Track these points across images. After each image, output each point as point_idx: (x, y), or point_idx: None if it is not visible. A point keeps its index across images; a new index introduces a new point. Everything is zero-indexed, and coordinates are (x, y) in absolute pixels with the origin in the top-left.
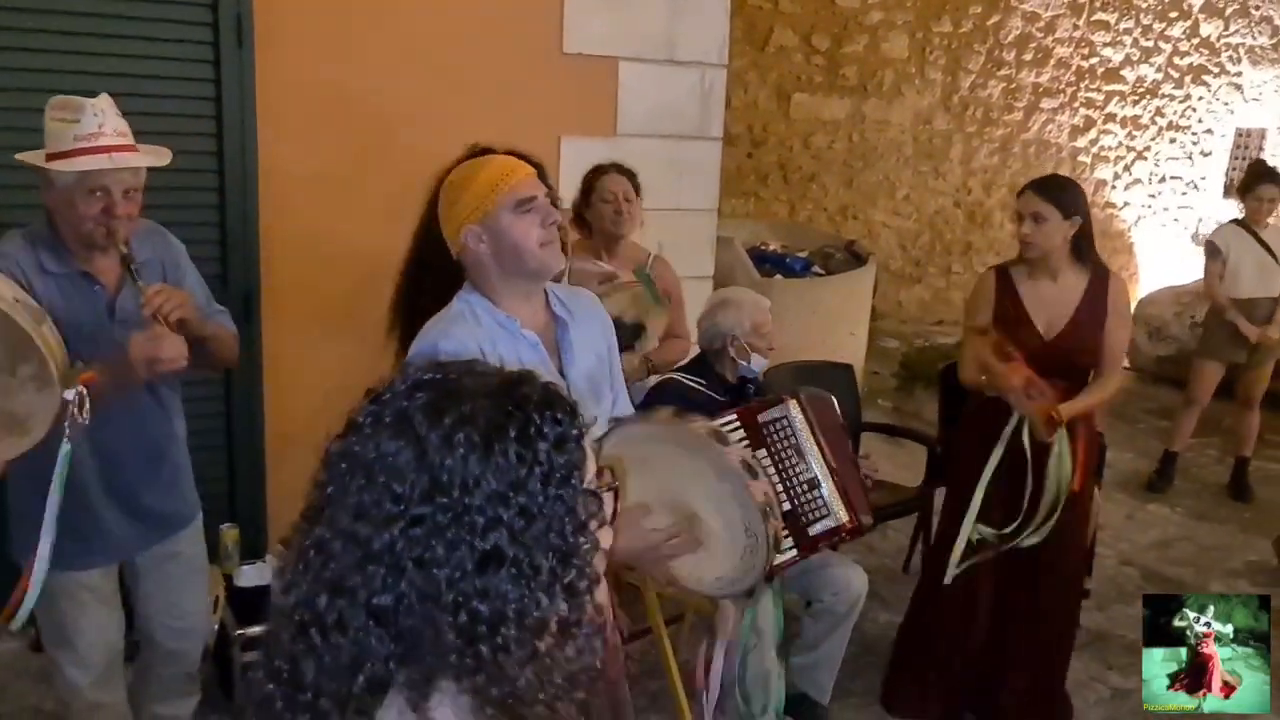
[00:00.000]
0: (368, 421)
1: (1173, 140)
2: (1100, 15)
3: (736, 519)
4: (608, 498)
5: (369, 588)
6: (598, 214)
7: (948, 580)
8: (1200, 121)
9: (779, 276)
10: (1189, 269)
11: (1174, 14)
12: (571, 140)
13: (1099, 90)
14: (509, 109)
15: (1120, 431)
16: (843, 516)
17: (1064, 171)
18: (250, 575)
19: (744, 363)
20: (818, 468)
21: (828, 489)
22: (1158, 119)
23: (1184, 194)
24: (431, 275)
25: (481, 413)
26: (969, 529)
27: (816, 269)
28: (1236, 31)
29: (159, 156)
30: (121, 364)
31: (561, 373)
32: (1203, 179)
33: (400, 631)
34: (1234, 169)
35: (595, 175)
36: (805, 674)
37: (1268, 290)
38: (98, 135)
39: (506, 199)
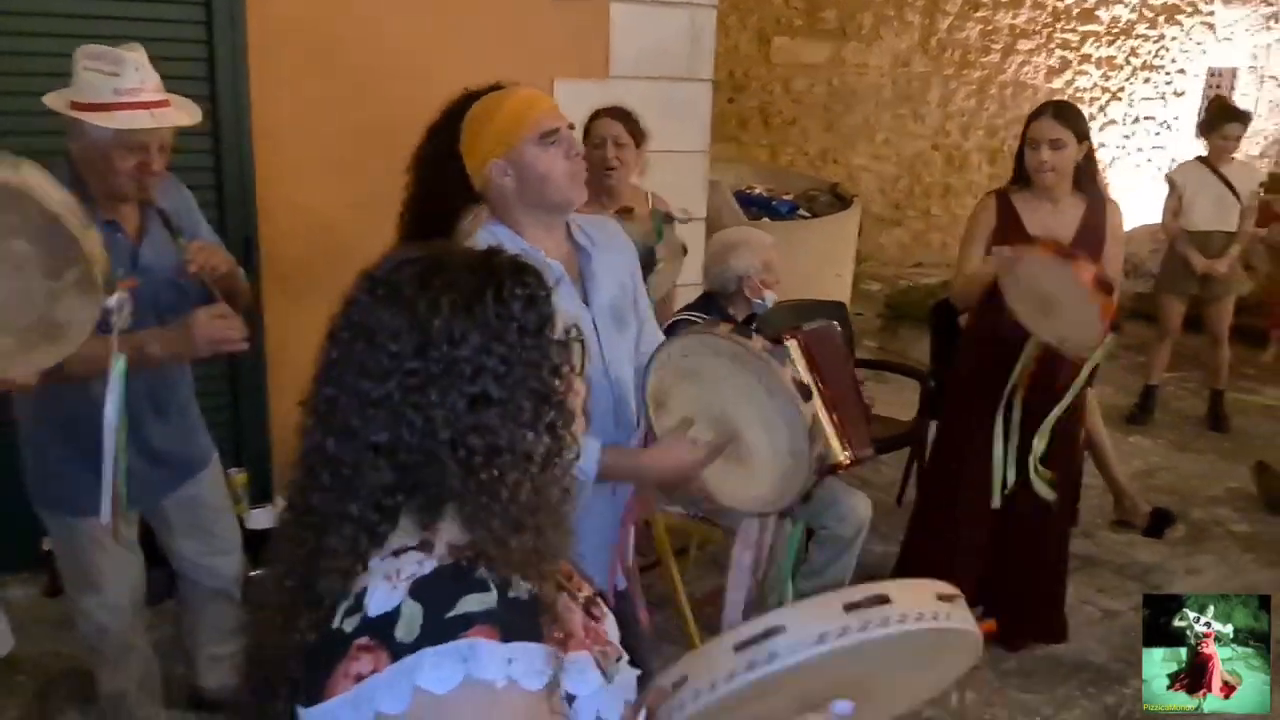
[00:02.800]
0: (363, 296)
1: (1147, 80)
2: None
3: (782, 439)
4: (576, 348)
5: (368, 428)
6: (589, 160)
7: (996, 504)
8: (1174, 62)
9: (765, 219)
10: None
11: None
12: (565, 83)
13: (1075, 31)
14: (503, 51)
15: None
16: (840, 456)
17: None
18: (262, 518)
19: (758, 300)
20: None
21: (828, 430)
22: (1132, 59)
23: (1158, 134)
24: (436, 210)
25: (462, 279)
26: (1001, 459)
27: (802, 211)
28: None
29: (192, 115)
30: (184, 339)
31: (586, 301)
32: (1175, 119)
33: (402, 464)
34: (1207, 108)
35: (590, 119)
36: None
37: (1223, 225)
38: (139, 90)
39: (531, 132)
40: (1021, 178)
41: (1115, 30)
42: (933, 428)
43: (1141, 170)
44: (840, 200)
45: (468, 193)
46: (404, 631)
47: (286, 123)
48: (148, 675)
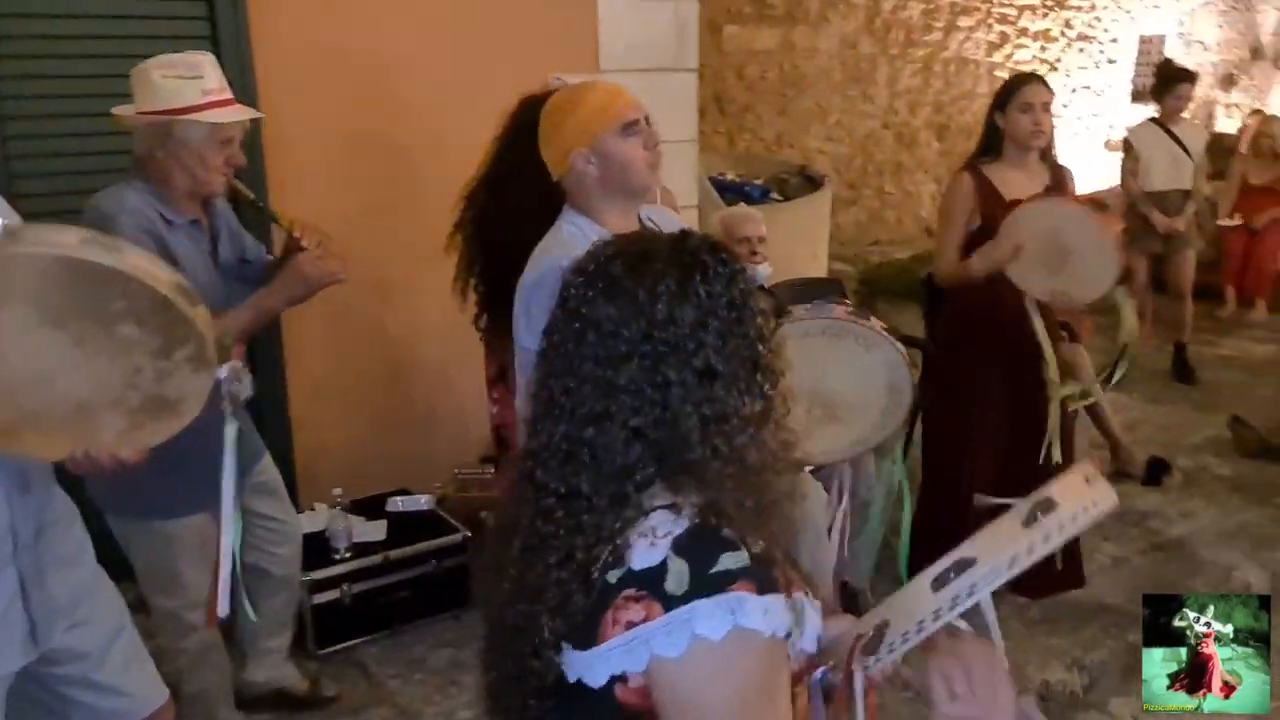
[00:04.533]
0: (579, 292)
1: (1081, 50)
2: None
3: (881, 382)
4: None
5: (624, 412)
6: None
7: None
8: (1106, 31)
9: (741, 204)
10: (1101, 175)
11: None
12: (559, 80)
13: (1011, 6)
14: (499, 52)
15: None
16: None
17: (981, 88)
18: (304, 523)
19: (759, 269)
20: None
21: None
22: (1067, 30)
23: (1093, 102)
24: (505, 204)
25: (670, 266)
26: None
27: (774, 195)
28: None
29: (257, 111)
30: (296, 282)
31: None
32: (1109, 86)
33: (650, 439)
34: (1139, 75)
35: None
36: (844, 563)
37: (1179, 183)
38: (221, 90)
39: (613, 123)
40: (991, 148)
41: (1049, 3)
42: None
43: (1079, 138)
44: (810, 181)
45: (544, 206)
46: (674, 584)
47: (294, 131)
48: (224, 674)
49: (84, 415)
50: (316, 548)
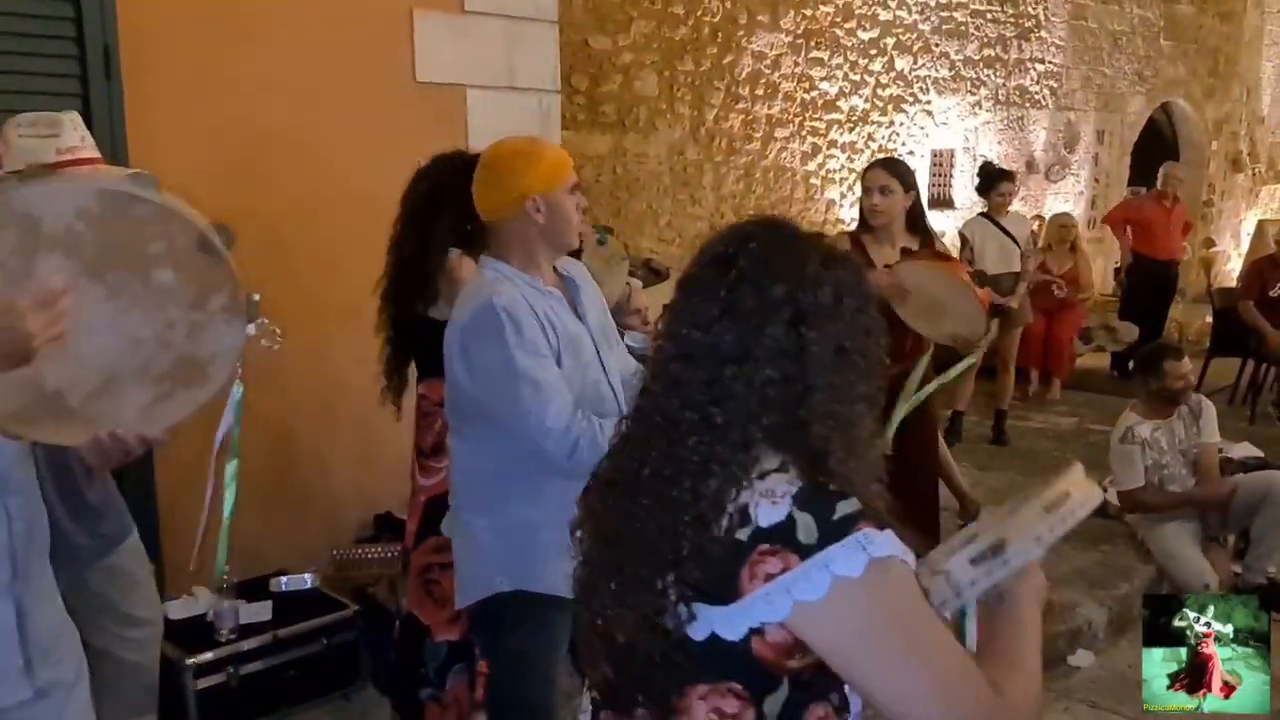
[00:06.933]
0: (737, 240)
1: None
2: (816, 53)
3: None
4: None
5: (761, 362)
6: None
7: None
8: (904, 144)
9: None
10: None
11: (874, 51)
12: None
13: (821, 120)
14: (370, 134)
15: None
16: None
17: (798, 193)
18: (179, 609)
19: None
20: None
21: None
22: (870, 143)
23: None
24: (421, 260)
25: (816, 249)
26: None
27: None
28: (923, 65)
29: (124, 172)
30: None
31: (581, 320)
32: None
33: (777, 398)
34: (934, 184)
35: None
36: None
37: (1009, 267)
38: (79, 149)
39: (567, 181)
40: (863, 223)
41: (854, 118)
42: None
43: None
44: (656, 273)
45: (457, 238)
46: (805, 535)
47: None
48: None
49: (111, 388)
50: (199, 631)
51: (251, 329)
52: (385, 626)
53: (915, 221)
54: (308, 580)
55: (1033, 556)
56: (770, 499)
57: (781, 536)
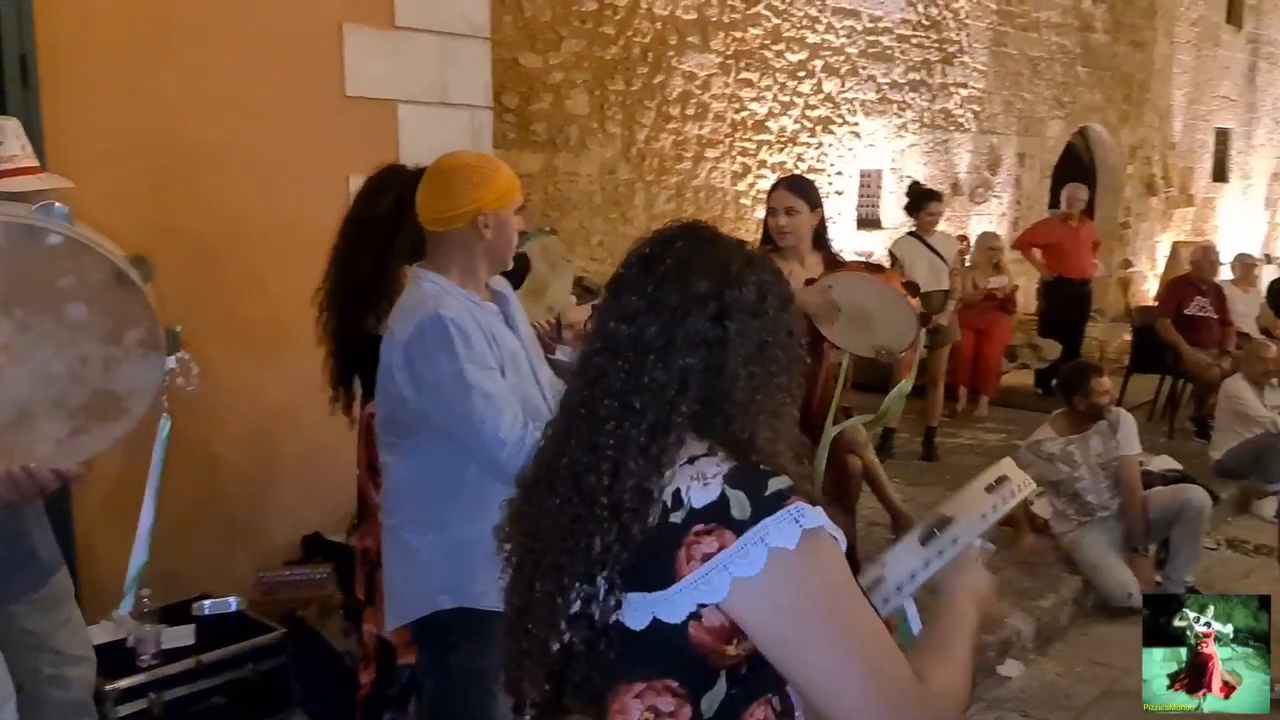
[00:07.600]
0: (664, 242)
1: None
2: (745, 74)
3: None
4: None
5: (682, 352)
6: None
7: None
8: (833, 165)
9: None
10: None
11: (802, 73)
12: (358, 179)
13: (751, 140)
14: (299, 149)
15: None
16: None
17: (729, 213)
18: (98, 633)
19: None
20: None
21: None
22: (799, 164)
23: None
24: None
25: (740, 251)
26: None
27: None
28: (851, 88)
29: (65, 180)
30: None
31: (515, 333)
32: (839, 214)
33: (699, 387)
34: (863, 205)
35: None
36: None
37: (938, 285)
38: (19, 157)
39: (516, 200)
40: (768, 243)
41: (784, 139)
42: None
43: None
44: (588, 291)
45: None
46: (739, 511)
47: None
48: None
49: (23, 423)
50: (118, 657)
51: (172, 362)
52: (317, 651)
53: (821, 240)
54: (232, 604)
55: (979, 531)
56: (701, 480)
57: (716, 515)
